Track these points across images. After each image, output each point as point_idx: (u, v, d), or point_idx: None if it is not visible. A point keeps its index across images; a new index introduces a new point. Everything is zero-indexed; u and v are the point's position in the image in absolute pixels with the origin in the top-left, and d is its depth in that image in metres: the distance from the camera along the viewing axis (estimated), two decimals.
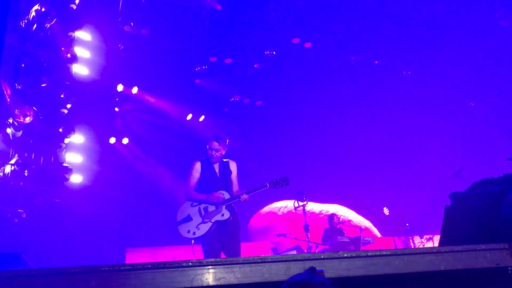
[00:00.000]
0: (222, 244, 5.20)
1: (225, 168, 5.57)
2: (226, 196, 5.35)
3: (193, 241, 5.28)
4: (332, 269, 2.29)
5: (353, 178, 12.07)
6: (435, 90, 11.11)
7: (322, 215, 11.97)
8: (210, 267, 2.17)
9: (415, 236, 10.18)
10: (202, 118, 11.10)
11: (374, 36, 9.74)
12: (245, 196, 5.28)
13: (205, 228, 5.17)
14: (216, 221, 5.21)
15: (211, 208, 5.27)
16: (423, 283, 2.52)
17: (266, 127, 11.99)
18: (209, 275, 2.16)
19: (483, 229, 3.13)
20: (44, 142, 7.24)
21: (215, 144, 5.48)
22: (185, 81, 10.22)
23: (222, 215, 5.23)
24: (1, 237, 6.10)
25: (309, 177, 11.31)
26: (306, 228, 7.77)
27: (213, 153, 5.47)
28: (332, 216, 9.51)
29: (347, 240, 8.60)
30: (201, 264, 2.18)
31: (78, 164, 7.82)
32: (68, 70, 7.62)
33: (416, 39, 9.78)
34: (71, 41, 7.66)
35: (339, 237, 8.55)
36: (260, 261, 2.24)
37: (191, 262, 2.17)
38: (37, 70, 6.94)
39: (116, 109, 9.37)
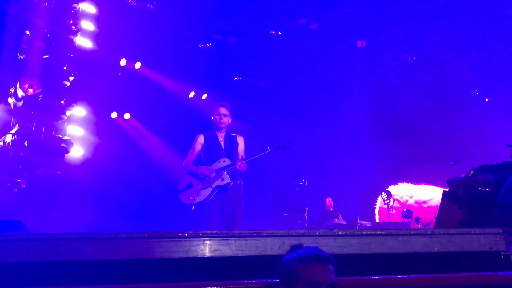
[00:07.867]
0: (221, 211, 5.17)
1: (231, 140, 5.50)
2: (227, 162, 5.29)
3: (193, 207, 5.23)
4: (326, 246, 2.31)
5: (353, 163, 12.07)
6: (440, 79, 11.04)
7: None
8: (206, 238, 2.19)
9: (412, 223, 10.21)
10: (204, 96, 11.07)
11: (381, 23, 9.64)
12: (241, 163, 5.18)
13: (205, 193, 5.14)
14: (217, 186, 5.16)
15: (212, 174, 5.23)
16: (417, 264, 2.55)
17: (269, 107, 11.91)
18: (205, 247, 2.18)
19: (478, 214, 3.16)
20: (45, 114, 7.25)
21: (223, 110, 5.42)
22: (188, 58, 10.15)
23: (222, 179, 5.16)
24: (1, 205, 6.14)
25: (310, 158, 11.29)
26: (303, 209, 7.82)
27: (222, 119, 5.40)
28: (324, 200, 9.52)
29: (344, 223, 8.66)
30: (197, 236, 2.20)
31: (79, 137, 7.84)
32: (71, 42, 7.58)
33: (422, 26, 9.68)
34: (75, 13, 7.61)
35: (336, 219, 8.60)
36: (255, 235, 2.26)
37: (187, 233, 2.19)
38: (40, 41, 6.90)
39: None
